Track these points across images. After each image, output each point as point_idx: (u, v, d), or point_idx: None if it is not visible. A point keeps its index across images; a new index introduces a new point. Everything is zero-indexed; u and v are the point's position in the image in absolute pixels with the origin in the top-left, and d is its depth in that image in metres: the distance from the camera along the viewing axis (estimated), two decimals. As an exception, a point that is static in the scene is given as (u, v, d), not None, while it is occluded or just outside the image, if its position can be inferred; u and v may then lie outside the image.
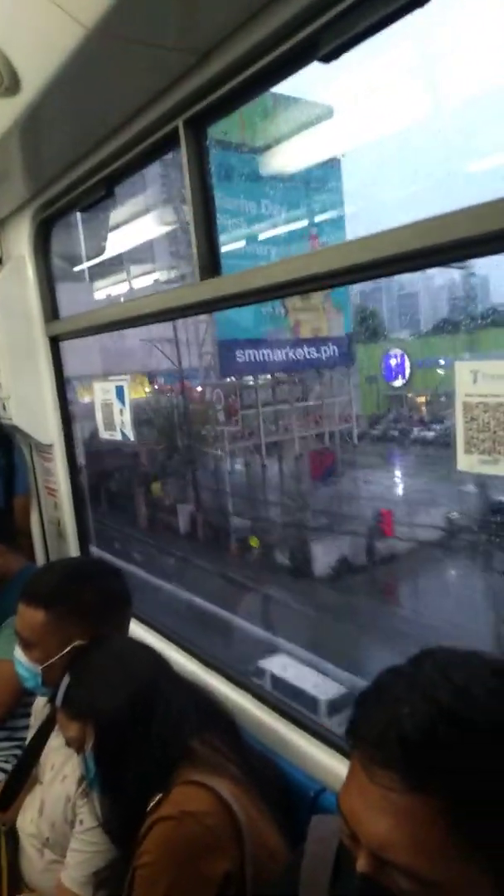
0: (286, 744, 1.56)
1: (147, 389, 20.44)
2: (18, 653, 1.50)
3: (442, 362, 20.13)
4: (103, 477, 19.47)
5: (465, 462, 0.99)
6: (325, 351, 19.13)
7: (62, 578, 1.51)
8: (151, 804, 1.15)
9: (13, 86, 1.43)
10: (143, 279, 19.35)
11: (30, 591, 1.49)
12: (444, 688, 0.70)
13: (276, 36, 1.23)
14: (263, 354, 18.36)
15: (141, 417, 19.28)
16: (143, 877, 1.10)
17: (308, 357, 19.04)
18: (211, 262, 1.58)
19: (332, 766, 1.45)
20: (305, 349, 18.91)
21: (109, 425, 2.24)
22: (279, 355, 18.68)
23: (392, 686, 0.74)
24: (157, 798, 1.15)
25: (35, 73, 1.38)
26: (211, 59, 1.35)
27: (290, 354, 18.79)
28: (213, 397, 19.35)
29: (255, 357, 18.07)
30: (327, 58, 1.20)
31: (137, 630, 2.15)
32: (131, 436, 2.17)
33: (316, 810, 1.35)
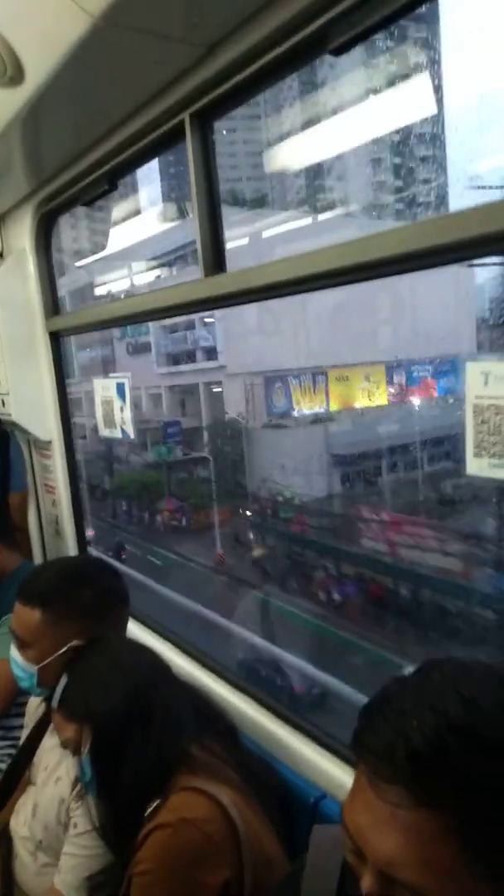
0: (286, 749, 1.54)
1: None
2: (14, 652, 1.48)
3: None
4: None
5: (475, 465, 0.96)
6: None
7: (60, 578, 1.49)
8: (149, 810, 1.13)
9: (17, 76, 1.40)
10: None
11: (27, 590, 1.47)
12: (452, 700, 0.68)
13: (285, 28, 1.21)
14: None
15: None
16: (140, 885, 1.08)
17: None
18: (216, 259, 1.56)
19: (333, 772, 1.43)
20: None
21: (109, 422, 2.22)
22: None
23: (399, 697, 0.72)
24: (155, 804, 1.13)
25: (39, 62, 1.35)
26: (219, 52, 1.32)
27: None
28: None
29: None
30: (337, 51, 1.18)
31: (135, 630, 2.13)
32: (132, 433, 2.14)
33: (316, 817, 1.33)
